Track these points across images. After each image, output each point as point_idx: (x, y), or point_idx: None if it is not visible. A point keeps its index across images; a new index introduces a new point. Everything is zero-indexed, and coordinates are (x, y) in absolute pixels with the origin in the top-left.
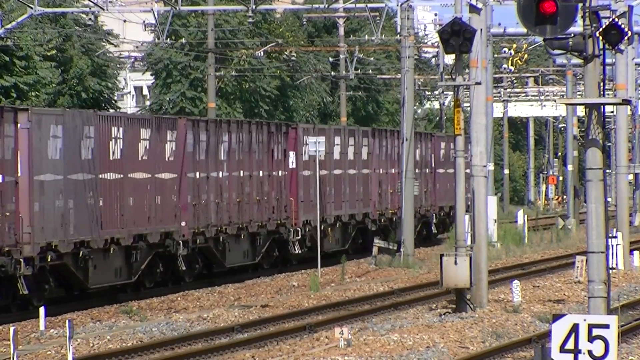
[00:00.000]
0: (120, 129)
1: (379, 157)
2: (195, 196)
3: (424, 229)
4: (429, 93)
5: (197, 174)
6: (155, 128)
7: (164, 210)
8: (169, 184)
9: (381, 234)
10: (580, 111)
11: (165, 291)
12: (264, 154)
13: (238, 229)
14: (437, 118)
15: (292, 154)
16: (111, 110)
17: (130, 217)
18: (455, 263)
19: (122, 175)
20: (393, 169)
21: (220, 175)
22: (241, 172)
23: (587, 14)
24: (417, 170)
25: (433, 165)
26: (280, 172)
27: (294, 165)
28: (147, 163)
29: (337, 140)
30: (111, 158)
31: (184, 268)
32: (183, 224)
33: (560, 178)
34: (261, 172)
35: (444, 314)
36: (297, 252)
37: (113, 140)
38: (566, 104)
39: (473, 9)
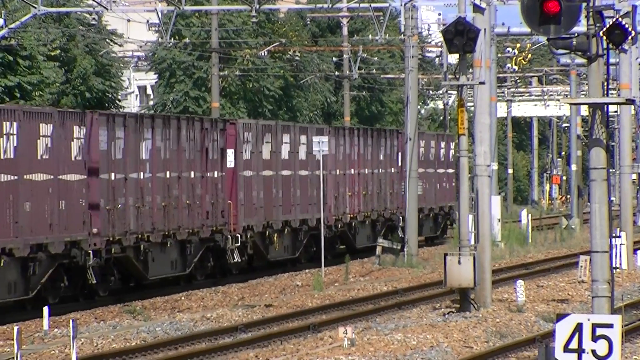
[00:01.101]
0: (14, 123)
1: (336, 157)
2: (109, 200)
3: (390, 234)
4: (433, 93)
5: (113, 175)
6: (59, 123)
7: (70, 217)
8: (76, 186)
9: (337, 240)
10: (584, 111)
11: (169, 291)
12: (197, 152)
13: (164, 237)
14: (441, 118)
15: (230, 153)
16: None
17: (27, 224)
18: (459, 263)
19: (16, 177)
20: (352, 170)
21: (142, 177)
22: (168, 173)
23: (590, 13)
24: (380, 170)
25: (399, 164)
26: (216, 172)
27: (233, 165)
28: (48, 163)
29: (286, 138)
30: (2, 157)
31: (94, 281)
32: (95, 231)
33: (564, 178)
34: (193, 173)
35: (448, 313)
36: (236, 260)
37: (4, 136)
38: (570, 104)
39: (477, 8)
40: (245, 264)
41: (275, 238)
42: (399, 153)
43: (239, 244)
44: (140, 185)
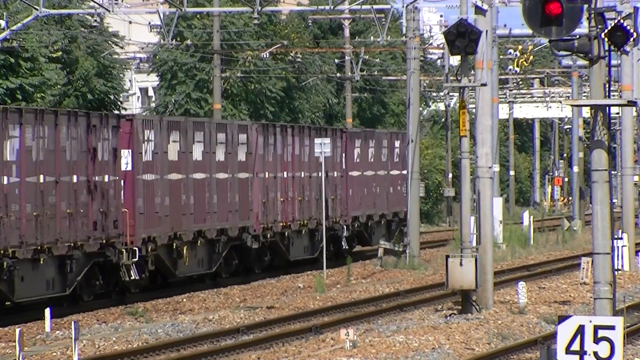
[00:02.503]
0: None
1: (265, 158)
2: None
3: (332, 243)
4: (435, 94)
5: None
6: None
7: None
8: None
9: (268, 252)
10: (586, 112)
11: (170, 292)
12: (81, 153)
13: (35, 252)
14: (443, 119)
15: (126, 154)
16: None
17: None
18: (461, 264)
19: None
20: (286, 172)
21: (5, 182)
22: (41, 177)
23: (592, 15)
24: (320, 173)
25: (345, 167)
26: (107, 176)
27: (130, 168)
28: None
29: (199, 136)
30: None
31: None
32: None
33: (566, 179)
34: (75, 177)
35: (450, 315)
36: (133, 278)
37: None
38: (572, 105)
39: (479, 10)
40: (146, 281)
41: (184, 251)
42: (344, 154)
43: (136, 258)
44: (3, 191)
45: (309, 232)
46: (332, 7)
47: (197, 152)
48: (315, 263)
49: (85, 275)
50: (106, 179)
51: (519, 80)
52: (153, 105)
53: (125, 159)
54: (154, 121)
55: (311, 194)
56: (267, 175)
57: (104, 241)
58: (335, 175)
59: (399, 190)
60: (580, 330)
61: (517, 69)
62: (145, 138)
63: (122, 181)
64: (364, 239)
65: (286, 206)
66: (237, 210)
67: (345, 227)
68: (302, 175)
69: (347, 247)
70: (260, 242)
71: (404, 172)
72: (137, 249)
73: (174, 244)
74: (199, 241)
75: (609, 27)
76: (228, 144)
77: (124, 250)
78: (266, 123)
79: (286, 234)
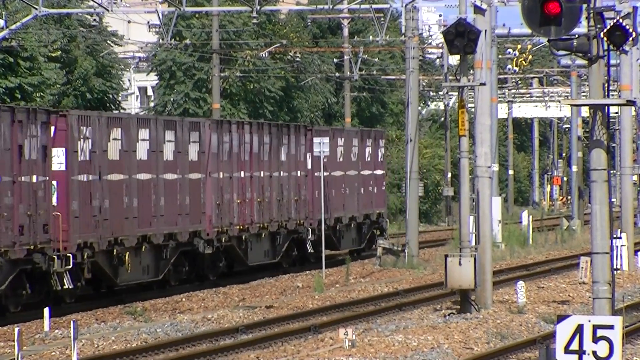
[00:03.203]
0: None
1: (219, 157)
2: None
3: (295, 247)
4: (434, 94)
5: None
6: None
7: None
8: None
9: (223, 257)
10: (585, 112)
11: (169, 292)
12: (4, 152)
13: None
14: (442, 119)
15: (59, 152)
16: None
17: None
18: (460, 264)
19: None
20: (243, 172)
21: None
22: None
23: (591, 15)
24: (282, 173)
25: (310, 166)
26: (35, 176)
27: (64, 168)
28: None
29: (144, 134)
30: None
31: None
32: None
33: (565, 179)
34: None
35: (449, 314)
36: (67, 286)
37: None
38: (571, 105)
39: (477, 9)
40: (83, 290)
41: (127, 257)
42: (308, 153)
43: (70, 266)
44: None
45: (269, 236)
46: (331, 7)
47: (142, 151)
48: (278, 268)
49: (11, 283)
50: (34, 180)
51: (518, 79)
52: (152, 104)
53: (58, 158)
54: (92, 117)
55: (272, 194)
56: (221, 176)
57: (32, 247)
58: (299, 174)
59: (371, 191)
60: (579, 329)
61: (516, 69)
62: (82, 135)
63: (54, 182)
64: (332, 242)
65: (243, 208)
66: (187, 213)
67: (310, 230)
68: (262, 175)
69: (312, 251)
70: (213, 247)
71: (376, 172)
72: (71, 255)
73: (115, 250)
74: (144, 247)
75: (608, 27)
76: (178, 142)
77: (55, 257)
78: (220, 120)
79: (244, 237)
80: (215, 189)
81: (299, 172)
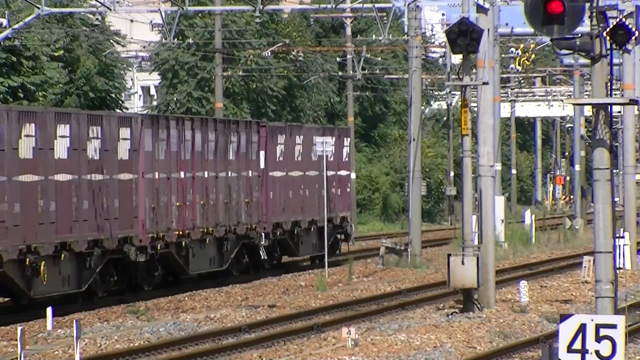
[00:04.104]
0: None
1: (155, 156)
2: None
3: (246, 254)
4: (437, 93)
5: None
6: None
7: None
8: None
9: (160, 265)
10: (588, 111)
11: (172, 291)
12: None
13: None
14: (445, 118)
15: None
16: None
17: None
18: (463, 263)
19: None
20: (183, 173)
21: None
22: None
23: (594, 14)
24: (230, 173)
25: (264, 166)
26: None
27: None
28: None
29: (64, 130)
30: None
31: None
32: None
33: (568, 178)
34: None
35: (452, 314)
36: None
37: None
38: (573, 104)
39: (480, 9)
40: None
41: (42, 267)
42: (263, 151)
43: None
44: None
45: (215, 242)
46: (333, 6)
47: (61, 149)
48: (228, 276)
49: None
50: None
51: (520, 79)
52: (155, 104)
53: None
54: (0, 111)
55: (218, 197)
56: (157, 176)
57: None
58: (251, 175)
59: (334, 193)
60: (582, 329)
61: (519, 68)
62: None
63: None
64: (290, 248)
65: (184, 212)
66: (116, 217)
67: (263, 235)
68: (206, 175)
69: (266, 258)
70: (147, 254)
71: (341, 172)
72: None
73: (27, 259)
74: (63, 255)
75: (611, 26)
76: (105, 140)
77: None
78: (156, 115)
79: (184, 244)
80: (149, 190)
81: (250, 172)
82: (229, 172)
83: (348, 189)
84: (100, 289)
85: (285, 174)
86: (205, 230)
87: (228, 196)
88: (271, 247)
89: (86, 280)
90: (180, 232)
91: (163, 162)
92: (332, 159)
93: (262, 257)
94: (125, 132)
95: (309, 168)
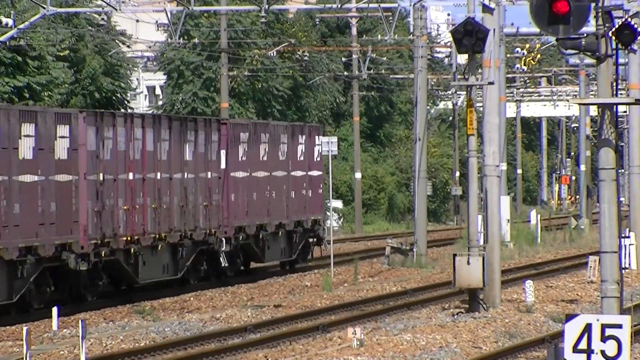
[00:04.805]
0: None
1: (98, 156)
2: None
3: (205, 261)
4: (442, 93)
5: None
6: None
7: None
8: None
9: (105, 274)
10: (593, 111)
11: (178, 291)
12: None
13: None
14: (450, 118)
15: None
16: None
17: None
18: (468, 263)
19: None
20: (132, 174)
21: None
22: None
23: (599, 13)
24: (187, 175)
25: (225, 166)
26: None
27: None
28: None
29: None
30: None
31: None
32: None
33: (573, 178)
34: None
35: (457, 314)
36: None
37: None
38: (579, 104)
39: (486, 8)
40: None
41: None
42: (223, 151)
43: None
44: None
45: (169, 248)
46: (339, 6)
47: None
48: (184, 285)
49: None
50: None
51: (526, 78)
52: (160, 103)
53: None
54: None
55: (172, 200)
56: (101, 178)
57: None
58: (210, 176)
59: (304, 195)
60: (588, 328)
61: (525, 68)
62: None
63: None
64: (255, 254)
65: (132, 216)
66: (52, 222)
67: (224, 240)
68: (159, 177)
69: (227, 265)
70: (90, 262)
71: (312, 173)
72: None
73: None
74: None
75: (617, 26)
76: (40, 138)
77: None
78: (101, 111)
79: (132, 250)
80: (92, 193)
81: (209, 173)
82: (185, 174)
83: (320, 190)
84: (35, 299)
85: (248, 174)
86: (158, 235)
87: (184, 199)
88: (233, 253)
89: (18, 291)
90: (129, 238)
91: (109, 163)
92: (301, 158)
93: (223, 264)
94: (63, 130)
95: (276, 168)
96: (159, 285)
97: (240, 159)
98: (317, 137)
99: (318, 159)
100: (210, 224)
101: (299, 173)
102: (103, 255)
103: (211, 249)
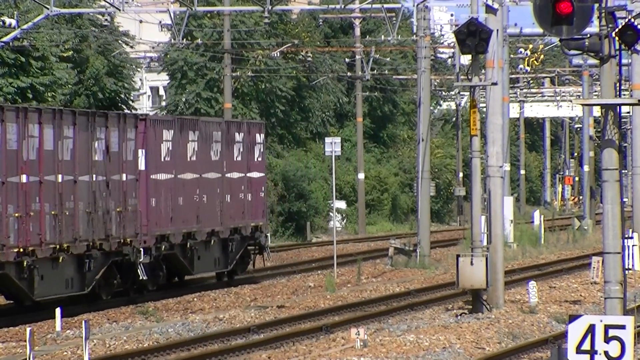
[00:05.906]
0: None
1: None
2: None
3: (119, 274)
4: (445, 93)
5: None
6: None
7: None
8: None
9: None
10: (597, 111)
11: (181, 292)
12: None
13: None
14: (453, 118)
15: None
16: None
17: None
18: (472, 264)
19: None
20: (25, 176)
21: None
22: None
23: (603, 14)
24: (96, 177)
25: (144, 167)
26: None
27: None
28: None
29: None
30: None
31: None
32: None
33: (577, 178)
34: None
35: (460, 314)
36: None
37: None
38: (582, 105)
39: (489, 9)
40: None
41: None
42: (142, 150)
43: None
44: None
45: (73, 260)
46: (342, 6)
47: None
48: (95, 301)
49: None
50: None
51: (529, 79)
52: (163, 104)
53: None
54: None
55: (77, 205)
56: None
57: None
58: (125, 179)
59: (242, 199)
60: (591, 329)
61: (528, 68)
62: None
63: None
64: (181, 265)
65: (26, 224)
66: None
67: (142, 250)
68: (60, 179)
69: (146, 278)
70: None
71: (252, 174)
72: None
73: None
74: None
75: (620, 26)
76: None
77: None
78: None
79: (25, 263)
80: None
81: (124, 175)
82: (94, 176)
83: (262, 194)
84: None
85: (173, 176)
86: (58, 246)
87: (92, 205)
88: (155, 264)
89: None
90: (21, 250)
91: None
92: (239, 158)
93: (141, 277)
94: None
95: (208, 169)
96: (64, 302)
97: (163, 159)
98: (258, 134)
99: (259, 159)
100: (125, 233)
101: (235, 175)
102: None
103: (127, 260)
